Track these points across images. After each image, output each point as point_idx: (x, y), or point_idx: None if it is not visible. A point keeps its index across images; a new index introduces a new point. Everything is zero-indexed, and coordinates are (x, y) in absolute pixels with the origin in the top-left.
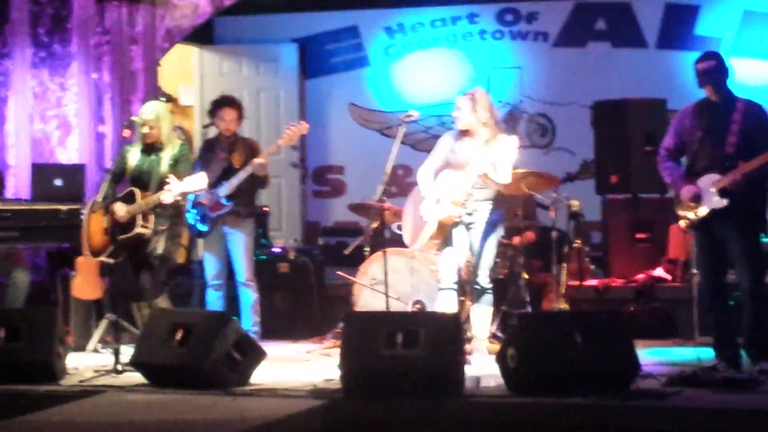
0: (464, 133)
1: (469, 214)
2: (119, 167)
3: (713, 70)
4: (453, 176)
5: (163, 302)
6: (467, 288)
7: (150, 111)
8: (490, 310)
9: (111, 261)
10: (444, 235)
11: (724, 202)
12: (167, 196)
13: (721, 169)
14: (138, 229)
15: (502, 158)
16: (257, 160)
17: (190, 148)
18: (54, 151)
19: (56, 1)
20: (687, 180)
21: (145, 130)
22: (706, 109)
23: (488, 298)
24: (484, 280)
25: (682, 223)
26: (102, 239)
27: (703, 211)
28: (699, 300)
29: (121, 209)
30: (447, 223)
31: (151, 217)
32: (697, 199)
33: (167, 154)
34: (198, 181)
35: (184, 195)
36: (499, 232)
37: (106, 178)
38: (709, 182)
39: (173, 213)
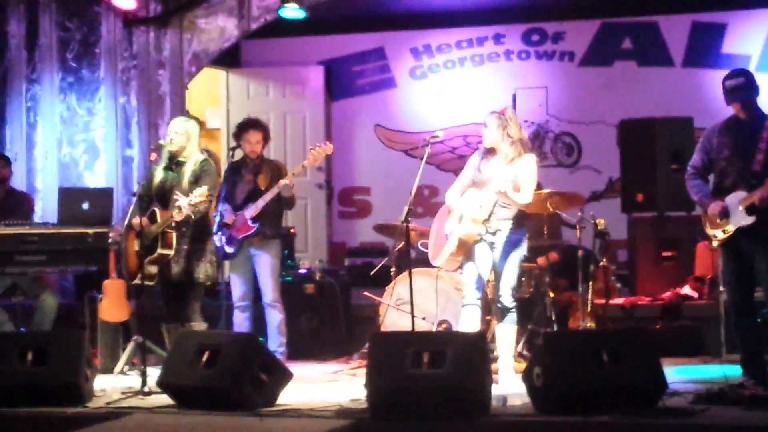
0: (490, 152)
1: (492, 234)
2: (146, 189)
3: (742, 88)
4: (475, 194)
5: (199, 325)
6: (492, 307)
7: (179, 123)
8: (514, 329)
9: (151, 284)
10: (465, 252)
11: (751, 219)
12: (176, 213)
13: (749, 187)
14: (160, 250)
15: (523, 178)
16: (283, 182)
17: (218, 170)
18: (82, 175)
19: (84, 27)
20: (714, 198)
21: (171, 140)
22: (734, 127)
23: (512, 317)
24: (507, 299)
25: (714, 242)
26: (135, 262)
27: (730, 228)
28: (726, 317)
29: (148, 231)
30: (468, 240)
31: (173, 236)
32: (724, 215)
33: (188, 170)
34: (200, 194)
35: (193, 209)
36: (522, 251)
37: (134, 201)
38: (736, 200)
39: (195, 231)
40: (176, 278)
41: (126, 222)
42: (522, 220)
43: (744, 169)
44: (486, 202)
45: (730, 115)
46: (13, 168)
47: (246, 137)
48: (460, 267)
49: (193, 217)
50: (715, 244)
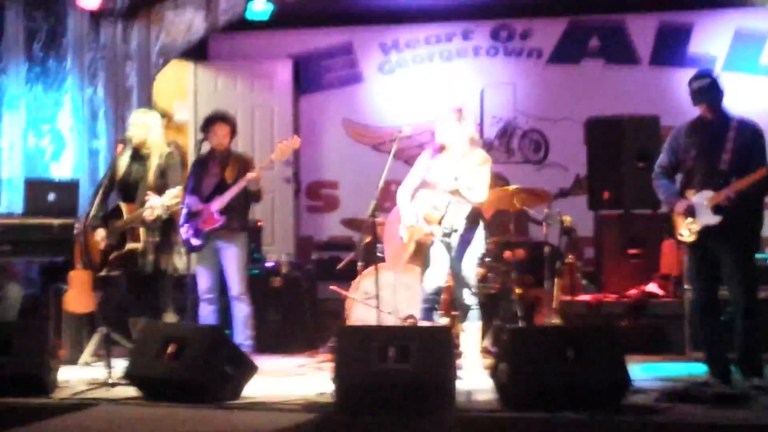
0: (440, 150)
1: (447, 234)
2: (110, 180)
3: (707, 89)
4: (429, 195)
5: (171, 317)
6: (455, 305)
7: (138, 116)
8: (478, 326)
9: (116, 274)
10: (423, 255)
11: (717, 218)
12: (147, 213)
13: (715, 187)
14: (129, 245)
15: (476, 174)
16: (250, 175)
17: (184, 163)
18: (48, 166)
19: (51, 18)
20: (681, 197)
21: (132, 133)
22: (701, 128)
23: (474, 314)
24: (468, 298)
25: (680, 240)
26: (100, 255)
27: (696, 227)
28: (691, 315)
29: (101, 233)
30: (425, 242)
31: (141, 231)
32: (690, 215)
33: (154, 162)
34: (174, 195)
35: (165, 210)
36: (478, 248)
37: (97, 191)
38: (703, 199)
39: (163, 223)
40: (145, 271)
41: (89, 214)
42: (477, 217)
43: (710, 169)
44: (440, 202)
45: (696, 116)
46: None
47: (213, 130)
48: (420, 269)
49: (164, 217)
50: (681, 242)
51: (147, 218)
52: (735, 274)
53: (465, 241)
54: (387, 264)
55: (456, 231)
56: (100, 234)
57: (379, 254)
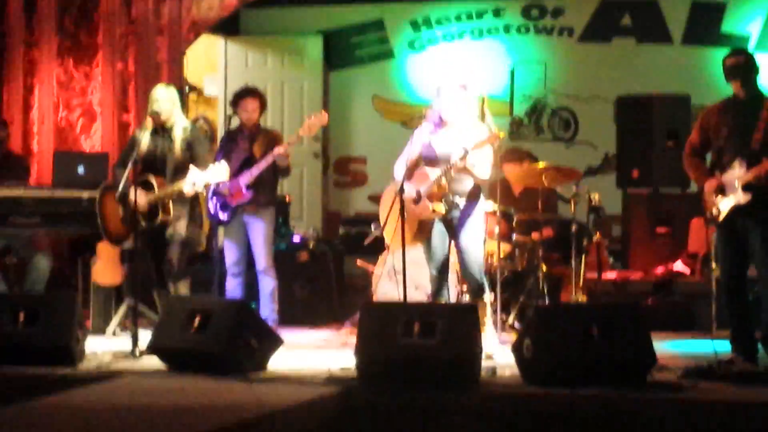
0: (440, 125)
1: (450, 210)
2: (130, 153)
3: (742, 66)
4: (431, 172)
5: (183, 288)
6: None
7: (161, 91)
8: (489, 302)
9: (132, 248)
10: (427, 233)
11: (748, 197)
12: (188, 188)
13: (747, 166)
14: (161, 218)
15: (479, 154)
16: (278, 150)
17: (214, 137)
18: (78, 140)
19: None
20: (711, 175)
21: (159, 107)
22: (733, 106)
23: (484, 292)
24: (477, 274)
25: (710, 218)
26: (120, 227)
27: (726, 205)
28: (717, 294)
29: (141, 199)
30: (428, 220)
31: (171, 205)
32: (721, 193)
33: (178, 136)
34: (220, 172)
35: (206, 186)
36: (480, 223)
37: (119, 164)
38: (733, 177)
39: (192, 197)
40: (173, 242)
41: (106, 184)
42: (478, 193)
43: (742, 148)
44: (444, 179)
45: (729, 95)
46: (10, 131)
47: (243, 105)
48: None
49: (200, 192)
50: (711, 220)
51: (187, 193)
52: (763, 253)
53: (470, 216)
54: (387, 240)
55: (458, 207)
56: (141, 201)
57: (375, 231)
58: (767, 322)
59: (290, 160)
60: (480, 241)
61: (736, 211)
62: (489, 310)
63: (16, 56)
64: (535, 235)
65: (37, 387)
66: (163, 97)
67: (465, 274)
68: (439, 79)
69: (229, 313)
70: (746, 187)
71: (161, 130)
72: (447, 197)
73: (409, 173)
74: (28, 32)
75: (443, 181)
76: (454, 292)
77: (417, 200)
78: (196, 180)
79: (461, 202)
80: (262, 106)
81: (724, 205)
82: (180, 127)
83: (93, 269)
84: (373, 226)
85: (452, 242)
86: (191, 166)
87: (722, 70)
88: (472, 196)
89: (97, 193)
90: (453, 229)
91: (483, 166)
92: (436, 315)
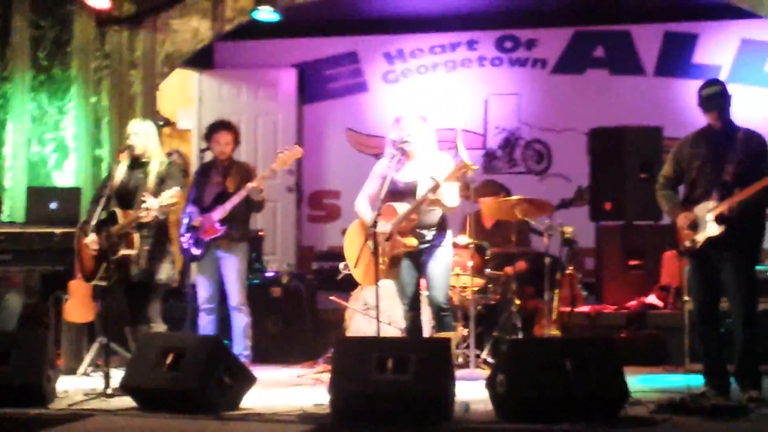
0: (402, 160)
1: (422, 243)
2: (109, 189)
3: (718, 96)
4: (398, 206)
5: (159, 327)
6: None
7: (136, 124)
8: (454, 333)
9: (103, 284)
10: (398, 267)
11: (720, 229)
12: (144, 214)
13: (719, 197)
14: (122, 251)
15: (446, 183)
16: (251, 185)
17: (188, 171)
18: (51, 175)
19: (57, 25)
20: (684, 207)
21: (134, 141)
22: (706, 137)
23: (449, 321)
24: (442, 302)
25: (682, 251)
26: (93, 263)
27: (699, 238)
28: (690, 327)
29: (92, 237)
30: (400, 255)
31: (135, 237)
32: (693, 226)
33: (154, 170)
34: (172, 195)
35: (162, 210)
36: (450, 253)
37: (95, 199)
38: (706, 210)
39: (157, 232)
40: (137, 279)
41: (86, 221)
42: (445, 223)
43: (715, 179)
44: (414, 213)
45: (702, 126)
46: None
47: (216, 138)
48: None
49: (160, 218)
50: (683, 253)
51: (143, 220)
52: (735, 285)
53: (438, 246)
54: (358, 278)
55: (427, 238)
56: (91, 238)
57: (344, 270)
58: (740, 356)
59: (264, 194)
60: (448, 269)
61: (709, 243)
62: (453, 341)
63: None
64: (508, 269)
65: (8, 428)
66: (138, 131)
67: (429, 297)
68: (398, 111)
69: (203, 350)
70: (719, 219)
71: (137, 163)
72: (415, 231)
73: (379, 210)
74: (1, 66)
75: (412, 215)
76: (427, 327)
77: (389, 236)
78: (150, 206)
79: (430, 233)
80: (236, 139)
81: (697, 238)
82: (157, 161)
83: (65, 307)
84: (341, 266)
85: (420, 276)
86: (146, 194)
87: (698, 100)
88: (441, 227)
89: (76, 231)
90: (420, 264)
91: (451, 195)
92: (409, 350)
